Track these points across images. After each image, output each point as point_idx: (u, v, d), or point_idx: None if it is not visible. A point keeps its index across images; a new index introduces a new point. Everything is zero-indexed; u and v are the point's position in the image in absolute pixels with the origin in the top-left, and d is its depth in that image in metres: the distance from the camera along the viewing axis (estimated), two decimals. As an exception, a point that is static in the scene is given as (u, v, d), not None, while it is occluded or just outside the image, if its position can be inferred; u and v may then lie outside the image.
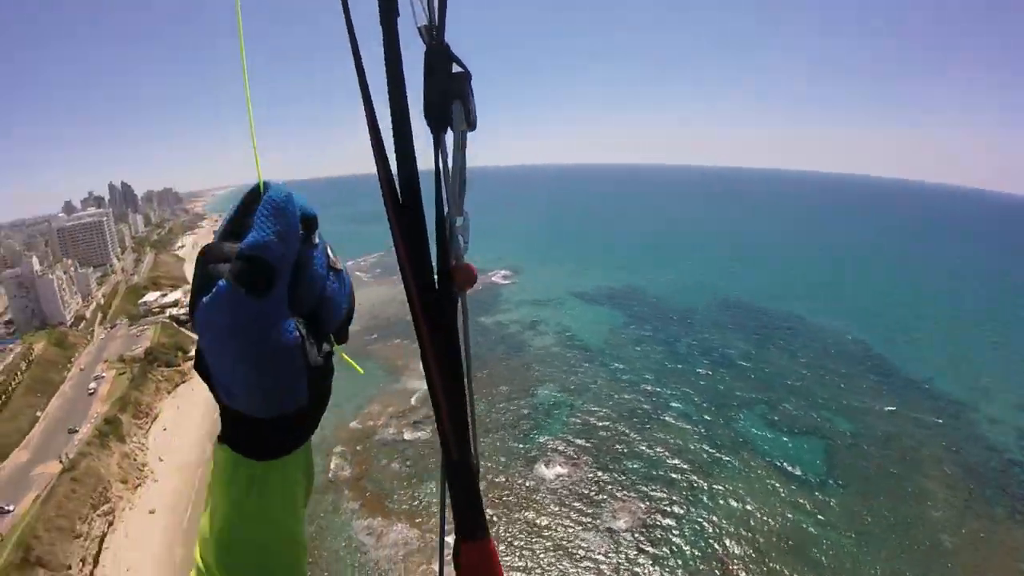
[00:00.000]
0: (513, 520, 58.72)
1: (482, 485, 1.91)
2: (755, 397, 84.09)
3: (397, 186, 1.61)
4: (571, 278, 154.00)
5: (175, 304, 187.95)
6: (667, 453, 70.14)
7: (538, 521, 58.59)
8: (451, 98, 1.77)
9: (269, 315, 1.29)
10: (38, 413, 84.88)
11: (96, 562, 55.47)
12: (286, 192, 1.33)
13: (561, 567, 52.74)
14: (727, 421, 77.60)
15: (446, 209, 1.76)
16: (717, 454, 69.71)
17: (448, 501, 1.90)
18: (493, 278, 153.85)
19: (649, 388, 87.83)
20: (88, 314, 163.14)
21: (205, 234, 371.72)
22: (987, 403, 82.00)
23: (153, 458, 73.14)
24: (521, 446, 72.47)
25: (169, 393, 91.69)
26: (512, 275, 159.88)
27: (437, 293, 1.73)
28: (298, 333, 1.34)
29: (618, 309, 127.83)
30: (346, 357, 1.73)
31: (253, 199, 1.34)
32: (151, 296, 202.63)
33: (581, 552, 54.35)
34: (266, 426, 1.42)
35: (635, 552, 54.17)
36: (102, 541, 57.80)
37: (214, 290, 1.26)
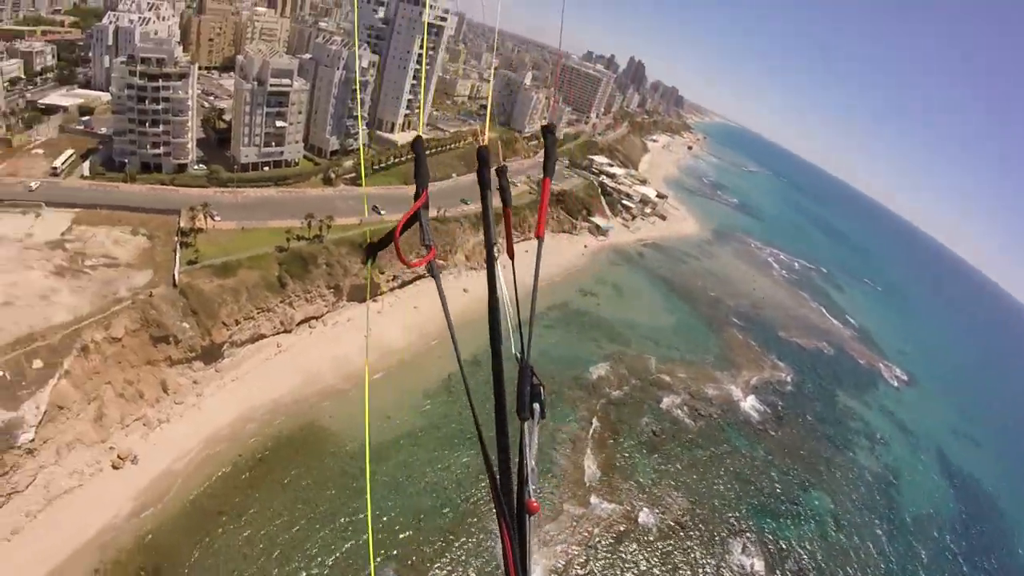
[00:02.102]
0: None
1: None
2: None
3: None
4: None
5: (611, 176, 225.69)
6: None
7: None
8: (533, 401, 3.07)
9: None
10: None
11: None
12: None
13: None
14: None
15: (529, 485, 2.99)
16: None
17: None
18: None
19: None
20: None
21: (665, 145, 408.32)
22: None
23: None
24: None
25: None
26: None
27: (518, 515, 2.91)
28: None
29: None
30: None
31: None
32: (600, 159, 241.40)
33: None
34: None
35: None
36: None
37: None
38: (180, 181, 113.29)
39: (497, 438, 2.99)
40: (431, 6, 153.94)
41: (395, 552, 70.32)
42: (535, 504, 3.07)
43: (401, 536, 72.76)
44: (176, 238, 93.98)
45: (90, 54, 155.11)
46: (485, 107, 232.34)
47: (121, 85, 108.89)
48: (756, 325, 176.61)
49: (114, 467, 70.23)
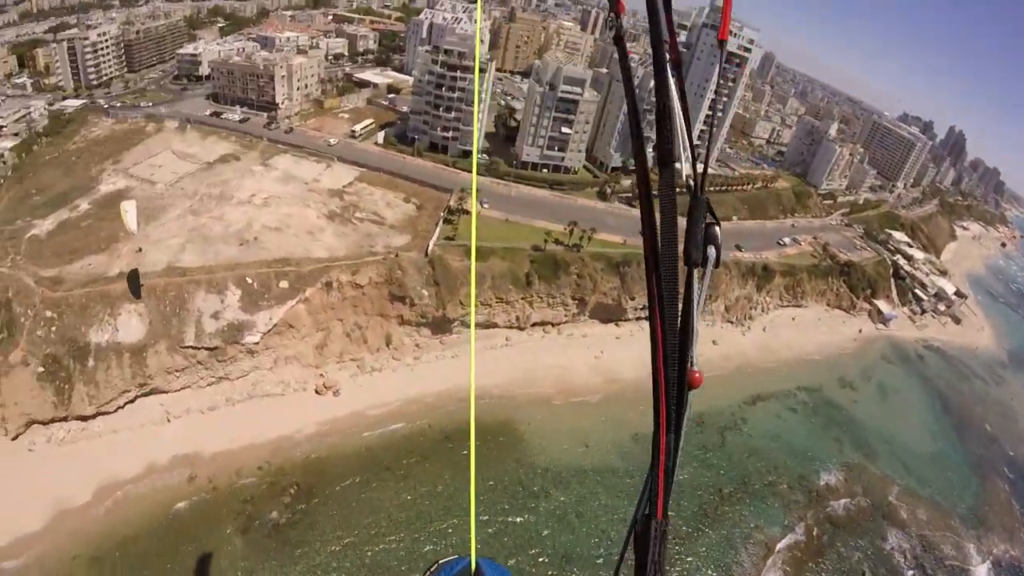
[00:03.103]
0: None
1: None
2: None
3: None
4: None
5: (908, 259, 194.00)
6: None
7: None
8: (707, 243, 2.51)
9: None
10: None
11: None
12: None
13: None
14: None
15: (693, 351, 2.39)
16: None
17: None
18: None
19: None
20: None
21: (976, 236, 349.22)
22: None
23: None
24: None
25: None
26: None
27: (677, 389, 2.32)
28: None
29: None
30: None
31: None
32: (899, 236, 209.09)
33: None
34: None
35: None
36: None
37: None
38: (461, 165, 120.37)
39: (661, 284, 2.40)
40: (735, 33, 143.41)
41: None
42: (698, 375, 2.46)
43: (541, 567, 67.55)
44: (442, 214, 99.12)
45: (406, 44, 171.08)
46: (783, 153, 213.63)
47: (423, 71, 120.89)
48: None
49: (316, 392, 78.40)
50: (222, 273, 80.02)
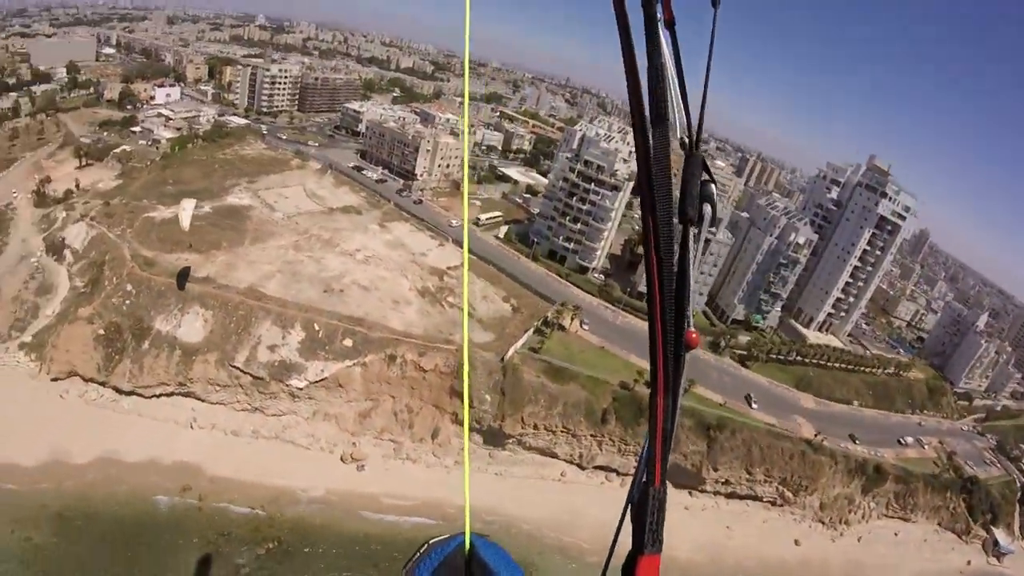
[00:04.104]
0: None
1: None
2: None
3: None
4: None
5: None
6: None
7: None
8: (703, 201, 2.49)
9: None
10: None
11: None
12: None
13: None
14: None
15: (691, 284, 2.34)
16: None
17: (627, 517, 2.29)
18: None
19: None
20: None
21: None
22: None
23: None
24: None
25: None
26: None
27: (674, 350, 2.38)
28: None
29: None
30: None
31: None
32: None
33: None
34: None
35: None
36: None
37: None
38: (573, 279, 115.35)
39: (657, 242, 2.28)
40: (891, 198, 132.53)
41: None
42: (695, 336, 2.44)
43: None
44: (536, 322, 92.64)
45: (556, 151, 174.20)
46: (923, 339, 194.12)
47: (559, 176, 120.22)
48: None
49: (342, 459, 73.77)
50: (294, 311, 78.88)
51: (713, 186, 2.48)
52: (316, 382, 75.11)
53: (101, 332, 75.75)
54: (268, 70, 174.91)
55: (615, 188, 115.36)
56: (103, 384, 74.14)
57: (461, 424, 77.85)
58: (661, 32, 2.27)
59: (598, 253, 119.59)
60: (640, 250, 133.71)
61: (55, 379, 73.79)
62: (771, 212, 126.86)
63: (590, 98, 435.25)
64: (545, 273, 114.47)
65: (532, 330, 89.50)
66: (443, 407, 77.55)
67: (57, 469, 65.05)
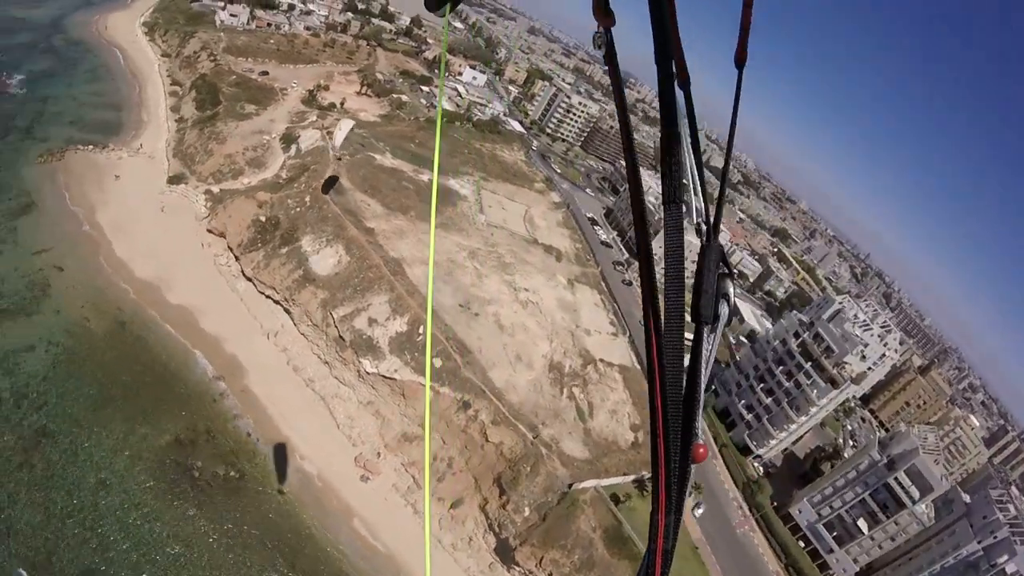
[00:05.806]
0: None
1: None
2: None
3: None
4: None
5: None
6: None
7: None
8: (719, 298, 2.00)
9: None
10: None
11: None
12: None
13: None
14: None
15: (698, 423, 1.93)
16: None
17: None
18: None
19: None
20: None
21: None
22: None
23: None
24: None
25: None
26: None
27: (679, 465, 1.93)
28: None
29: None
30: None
31: None
32: None
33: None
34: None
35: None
36: None
37: None
38: (727, 453, 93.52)
39: (662, 344, 2.01)
40: None
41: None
42: (703, 450, 2.20)
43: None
44: (644, 473, 75.45)
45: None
46: None
47: (779, 335, 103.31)
48: None
49: (355, 460, 65.97)
50: (414, 304, 74.00)
51: (730, 281, 2.15)
52: (385, 376, 69.15)
53: (262, 219, 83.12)
54: (569, 97, 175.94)
55: (832, 383, 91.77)
56: (236, 259, 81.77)
57: (485, 519, 64.25)
58: (677, 94, 1.96)
59: (773, 443, 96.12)
60: (824, 467, 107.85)
61: (209, 231, 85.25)
62: (996, 514, 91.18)
63: (879, 284, 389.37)
64: (703, 428, 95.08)
65: (633, 478, 72.89)
66: (480, 487, 65.33)
67: (151, 294, 74.18)
